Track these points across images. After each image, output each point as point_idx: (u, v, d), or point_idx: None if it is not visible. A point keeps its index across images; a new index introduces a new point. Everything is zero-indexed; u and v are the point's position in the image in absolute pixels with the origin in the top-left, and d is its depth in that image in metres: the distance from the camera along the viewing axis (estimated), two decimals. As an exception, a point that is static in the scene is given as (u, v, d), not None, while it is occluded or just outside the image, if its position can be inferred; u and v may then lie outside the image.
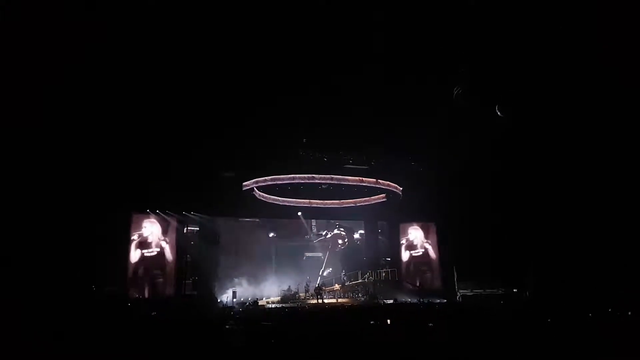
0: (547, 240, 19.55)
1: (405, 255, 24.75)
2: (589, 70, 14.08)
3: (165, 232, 20.35)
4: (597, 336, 7.98)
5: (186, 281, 20.68)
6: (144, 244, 19.85)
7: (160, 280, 19.77)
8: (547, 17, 12.66)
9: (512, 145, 18.56)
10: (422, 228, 25.30)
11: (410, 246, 24.97)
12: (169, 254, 20.21)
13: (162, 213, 20.33)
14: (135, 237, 19.72)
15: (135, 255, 19.56)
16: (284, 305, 20.32)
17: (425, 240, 25.14)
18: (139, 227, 19.92)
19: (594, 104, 15.46)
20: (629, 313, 11.01)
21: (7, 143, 14.33)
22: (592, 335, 8.06)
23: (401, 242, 24.95)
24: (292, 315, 14.52)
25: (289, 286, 23.25)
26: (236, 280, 22.61)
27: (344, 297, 22.90)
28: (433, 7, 12.77)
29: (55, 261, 15.48)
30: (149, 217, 20.13)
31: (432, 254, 24.91)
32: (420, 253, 24.87)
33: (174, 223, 20.57)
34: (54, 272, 15.10)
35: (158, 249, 20.05)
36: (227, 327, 10.14)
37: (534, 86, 15.21)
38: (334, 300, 21.88)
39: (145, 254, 19.74)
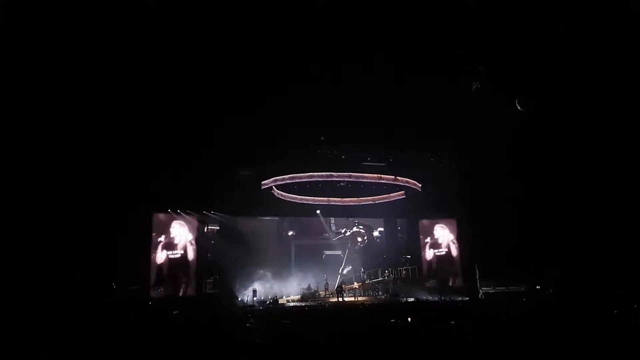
0: (570, 236, 19.10)
1: (428, 254, 24.51)
2: (609, 64, 13.68)
3: (186, 232, 20.60)
4: (620, 333, 7.77)
5: (207, 280, 20.90)
6: (170, 245, 20.12)
7: (182, 279, 20.01)
8: (564, 11, 12.33)
9: (533, 139, 18.16)
10: (443, 225, 25.01)
11: (435, 244, 24.72)
12: (191, 254, 20.46)
13: (183, 213, 20.59)
14: (162, 238, 20.00)
15: (160, 256, 19.82)
16: (304, 303, 20.36)
17: (446, 237, 24.85)
18: (161, 227, 20.23)
19: (618, 97, 15.02)
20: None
21: (29, 144, 14.68)
22: (615, 333, 7.85)
23: (425, 240, 24.71)
24: (312, 313, 14.53)
25: (309, 284, 23.28)
26: (256, 278, 22.74)
27: (364, 295, 22.83)
28: (450, 2, 12.56)
29: (78, 261, 15.81)
30: (171, 217, 20.41)
31: (454, 251, 24.62)
32: (442, 250, 24.59)
33: (194, 222, 20.82)
34: (76, 272, 15.42)
35: (182, 251, 20.31)
36: (247, 325, 10.21)
37: (555, 79, 14.85)
38: (353, 299, 21.83)
39: (170, 256, 20.03)
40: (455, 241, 24.73)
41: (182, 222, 20.49)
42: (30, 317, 10.05)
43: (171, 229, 20.27)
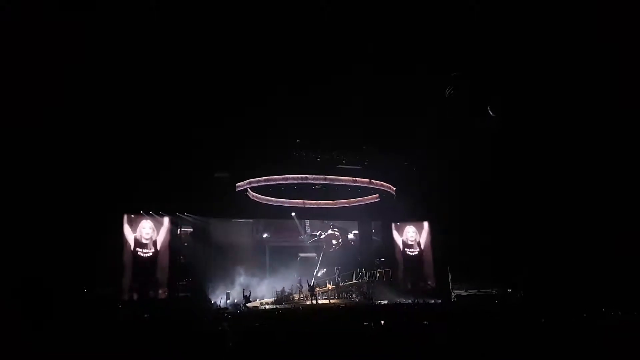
0: (540, 240, 19.62)
1: (402, 257, 24.75)
2: (583, 70, 14.16)
3: (158, 234, 20.19)
4: (591, 336, 7.99)
5: (180, 283, 20.52)
6: (138, 244, 19.67)
7: (154, 281, 19.60)
8: (540, 17, 12.70)
9: (505, 144, 18.61)
10: (416, 227, 25.33)
11: (408, 247, 24.98)
12: (162, 256, 20.04)
13: (155, 214, 20.17)
14: (129, 238, 19.53)
15: (128, 256, 19.37)
16: (277, 306, 20.22)
17: (419, 240, 25.18)
18: (134, 228, 19.74)
19: (587, 103, 15.55)
20: (619, 313, 11.06)
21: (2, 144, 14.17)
22: (586, 335, 8.06)
23: (399, 243, 24.94)
24: (286, 316, 14.44)
25: (283, 287, 23.14)
26: (230, 281, 22.46)
27: (338, 298, 22.83)
28: (426, 6, 12.76)
29: (47, 262, 15.28)
30: (143, 218, 19.95)
31: (427, 254, 24.94)
32: (415, 253, 24.89)
33: (167, 224, 20.42)
34: (46, 274, 14.91)
35: (152, 250, 19.88)
36: (219, 328, 10.05)
37: (527, 86, 15.27)
38: (327, 301, 21.81)
39: (139, 255, 19.56)
40: (428, 244, 25.06)
41: (148, 221, 20.07)
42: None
43: (137, 229, 19.83)
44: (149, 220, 20.08)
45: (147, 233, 19.94)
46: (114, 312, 15.16)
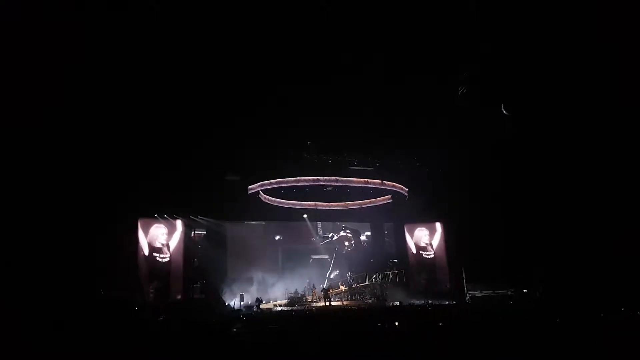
0: (557, 239, 19.34)
1: (415, 258, 24.65)
2: (596, 68, 13.96)
3: (172, 237, 20.40)
4: (608, 336, 7.87)
5: (194, 285, 20.70)
6: (152, 248, 19.91)
7: (169, 284, 19.80)
8: (552, 14, 12.56)
9: (520, 143, 18.41)
10: (429, 229, 25.18)
11: (422, 248, 24.86)
12: (176, 258, 20.24)
13: (170, 217, 20.40)
14: (143, 242, 19.77)
15: (143, 260, 19.60)
16: (291, 308, 20.29)
17: (432, 242, 25.01)
18: (148, 232, 19.96)
19: (606, 100, 15.30)
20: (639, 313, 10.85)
21: (13, 148, 14.42)
22: (603, 335, 7.95)
23: (412, 244, 24.83)
24: (299, 317, 14.47)
25: (296, 289, 23.21)
26: (243, 283, 22.59)
27: (351, 300, 22.82)
28: (437, 5, 12.70)
29: (63, 266, 15.54)
30: (157, 222, 20.18)
31: (440, 255, 24.77)
32: (429, 254, 24.75)
33: (181, 227, 20.63)
34: (62, 278, 15.16)
35: (167, 254, 20.09)
36: (234, 330, 10.13)
37: (541, 83, 15.10)
38: (340, 303, 21.81)
39: (154, 259, 19.81)
40: (441, 245, 24.89)
41: (161, 225, 20.28)
42: (16, 323, 9.85)
43: (151, 233, 20.06)
44: (162, 224, 20.30)
45: (161, 237, 20.16)
46: (130, 314, 15.33)
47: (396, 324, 9.88)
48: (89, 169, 16.64)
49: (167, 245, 20.22)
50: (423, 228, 25.18)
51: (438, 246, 24.92)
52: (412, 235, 25.03)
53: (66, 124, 15.15)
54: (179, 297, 19.70)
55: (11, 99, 13.14)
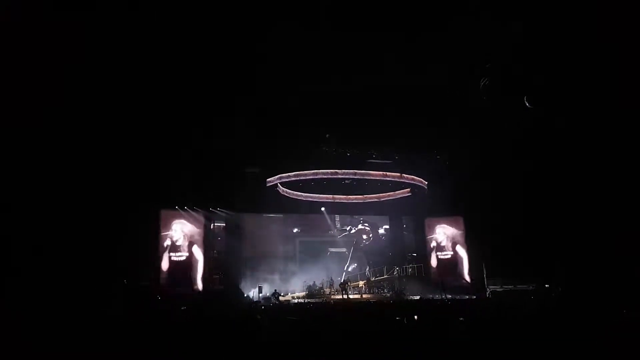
0: (580, 233, 18.95)
1: (434, 252, 24.49)
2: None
3: (192, 229, 20.70)
4: (630, 333, 7.67)
5: (214, 276, 20.99)
6: (173, 239, 20.26)
7: (189, 275, 20.12)
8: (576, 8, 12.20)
9: (541, 135, 18.03)
10: (450, 223, 24.92)
11: (441, 242, 24.66)
12: (197, 251, 20.54)
13: (190, 210, 20.68)
14: (165, 232, 20.11)
15: (164, 250, 19.98)
16: (309, 300, 20.39)
17: (452, 236, 24.77)
18: (168, 225, 20.29)
19: (626, 95, 14.86)
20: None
21: (38, 142, 14.77)
22: (624, 333, 7.75)
23: (431, 238, 24.65)
24: (317, 310, 14.53)
25: (314, 281, 23.31)
26: (261, 275, 22.80)
27: (369, 293, 22.81)
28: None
29: (87, 256, 15.95)
30: (178, 214, 20.48)
31: (460, 249, 24.52)
32: (450, 250, 24.55)
33: (201, 219, 20.90)
34: (85, 267, 15.57)
35: (188, 248, 20.40)
36: (253, 321, 10.22)
37: (564, 77, 14.72)
38: (358, 296, 21.82)
39: (176, 251, 20.18)
40: (462, 239, 24.64)
41: (188, 220, 20.59)
42: (41, 312, 10.14)
43: (177, 227, 20.38)
44: (183, 216, 20.59)
45: (181, 230, 20.50)
46: (153, 303, 15.67)
47: (415, 317, 9.82)
48: (113, 161, 16.96)
49: (187, 237, 20.52)
50: (444, 225, 24.92)
51: (459, 241, 24.66)
52: (431, 229, 24.81)
53: (95, 116, 15.41)
54: (200, 288, 20.00)
55: (25, 90, 13.39)
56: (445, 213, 24.79)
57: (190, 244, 20.48)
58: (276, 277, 23.32)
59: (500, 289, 20.76)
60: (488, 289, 21.31)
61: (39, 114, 14.18)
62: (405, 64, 14.64)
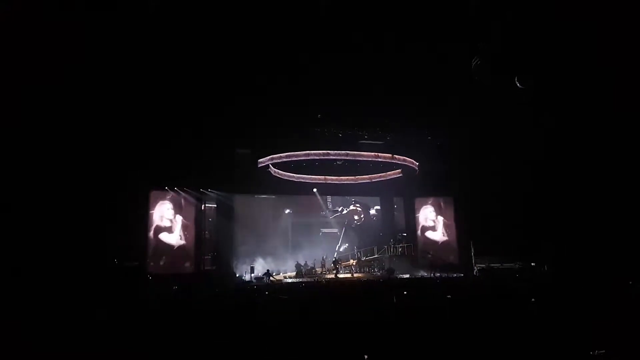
0: (566, 212, 19.29)
1: (424, 232, 24.80)
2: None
3: (183, 209, 20.67)
4: (616, 311, 7.88)
5: (205, 257, 21.08)
6: (164, 225, 20.23)
7: (180, 255, 20.18)
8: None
9: (530, 117, 18.16)
10: (439, 203, 25.20)
11: (430, 222, 24.95)
12: (188, 231, 20.56)
13: (180, 190, 20.62)
14: (155, 214, 20.08)
15: (155, 231, 19.97)
16: (300, 280, 20.63)
17: (441, 216, 25.07)
18: (158, 205, 20.23)
19: (619, 79, 14.96)
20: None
21: (25, 121, 14.59)
22: (610, 311, 7.96)
23: (421, 217, 24.93)
24: (310, 289, 14.72)
25: (306, 261, 23.54)
26: (253, 255, 22.95)
27: (359, 272, 23.11)
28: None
29: (78, 236, 15.92)
30: (167, 195, 20.42)
31: (449, 228, 24.86)
32: (439, 230, 24.86)
33: (192, 200, 20.87)
34: (75, 246, 15.56)
35: (177, 227, 20.39)
36: (244, 300, 10.35)
37: (556, 56, 14.74)
38: (349, 275, 22.11)
39: (166, 232, 20.16)
40: (450, 218, 24.95)
41: (179, 200, 20.56)
42: (31, 291, 10.16)
43: (167, 207, 20.34)
44: (172, 197, 20.54)
45: (170, 210, 20.45)
46: (144, 283, 15.75)
47: (405, 293, 10.02)
48: (102, 140, 16.82)
49: (178, 219, 20.50)
50: (432, 204, 25.20)
51: (447, 220, 24.98)
52: (421, 209, 25.08)
53: (84, 96, 15.24)
54: (191, 268, 20.10)
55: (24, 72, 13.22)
56: (435, 193, 25.05)
57: (181, 225, 20.48)
58: (268, 257, 23.48)
59: (487, 267, 21.19)
60: (475, 267, 21.72)
61: (28, 95, 14.00)
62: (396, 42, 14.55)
